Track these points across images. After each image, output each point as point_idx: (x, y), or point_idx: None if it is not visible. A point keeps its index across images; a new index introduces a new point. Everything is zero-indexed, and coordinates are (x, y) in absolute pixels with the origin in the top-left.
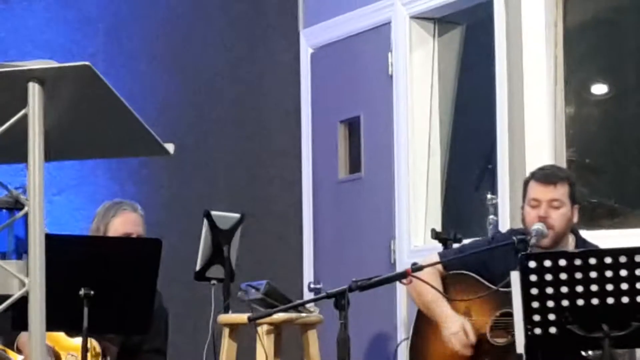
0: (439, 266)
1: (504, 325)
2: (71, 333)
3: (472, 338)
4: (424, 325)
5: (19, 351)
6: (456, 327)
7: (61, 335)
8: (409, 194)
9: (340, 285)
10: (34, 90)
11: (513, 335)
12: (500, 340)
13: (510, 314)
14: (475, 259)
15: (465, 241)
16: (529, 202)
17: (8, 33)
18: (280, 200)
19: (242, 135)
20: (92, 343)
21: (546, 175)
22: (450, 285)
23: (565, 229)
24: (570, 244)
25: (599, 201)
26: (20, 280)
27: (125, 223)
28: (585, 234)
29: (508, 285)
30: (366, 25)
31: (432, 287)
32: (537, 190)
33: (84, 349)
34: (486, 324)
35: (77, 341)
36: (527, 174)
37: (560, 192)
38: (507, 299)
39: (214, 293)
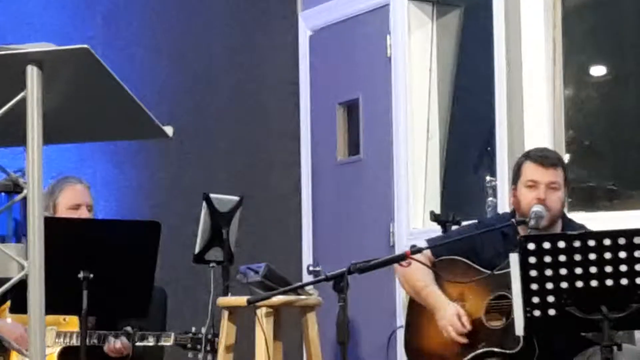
0: (428, 253)
1: (499, 308)
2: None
3: (467, 324)
4: (417, 313)
5: None
6: (450, 313)
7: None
8: (407, 176)
9: (339, 267)
10: (33, 73)
11: (508, 318)
12: (496, 324)
13: (505, 297)
14: (464, 245)
15: (464, 223)
16: (525, 183)
17: (6, 17)
18: (279, 183)
19: (241, 118)
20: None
21: (545, 157)
22: (442, 271)
23: (560, 211)
24: (558, 225)
25: (598, 183)
26: (19, 263)
27: (73, 196)
28: (584, 215)
29: (502, 268)
30: (364, 8)
31: (430, 267)
32: (535, 172)
33: (84, 331)
34: (481, 308)
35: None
36: (520, 156)
37: (559, 174)
38: (500, 282)
39: (213, 276)
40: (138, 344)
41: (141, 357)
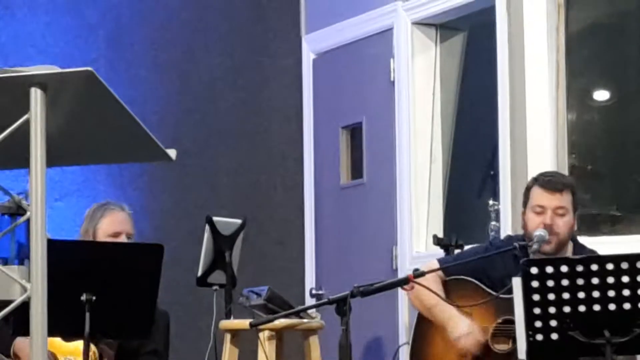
0: (440, 272)
1: (506, 332)
2: (68, 337)
3: (482, 337)
4: (425, 330)
5: (15, 357)
6: (465, 327)
7: (56, 339)
8: (411, 199)
9: (342, 291)
10: (36, 96)
11: (514, 343)
12: (502, 348)
13: (512, 321)
14: (474, 266)
15: (467, 247)
16: (532, 209)
17: (9, 38)
18: (282, 206)
19: (244, 141)
20: (91, 347)
21: (552, 182)
22: (451, 291)
23: (569, 237)
24: (569, 250)
25: (601, 207)
26: (21, 285)
27: (113, 223)
28: (586, 240)
29: (509, 292)
30: (368, 31)
31: (434, 292)
32: (542, 197)
33: (86, 354)
34: (487, 331)
35: (73, 345)
36: (530, 180)
37: (566, 199)
38: (508, 305)
39: (216, 299)
40: None
41: (137, 348)
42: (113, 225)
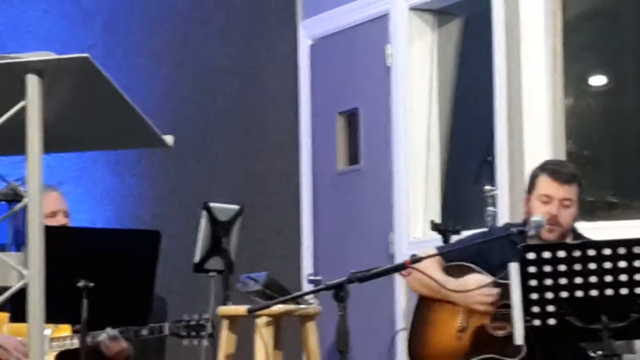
0: (439, 257)
1: (505, 316)
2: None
3: (494, 291)
4: (424, 315)
5: None
6: (474, 287)
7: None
8: (407, 185)
9: (339, 276)
10: (33, 82)
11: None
12: (501, 332)
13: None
14: (473, 252)
15: (464, 233)
16: (539, 197)
17: (6, 25)
18: (279, 192)
19: (241, 128)
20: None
21: (561, 173)
22: (450, 275)
23: (571, 227)
24: (568, 239)
25: (598, 193)
26: (19, 272)
27: (49, 204)
28: (584, 225)
29: (507, 276)
30: (365, 17)
31: (431, 278)
32: (549, 187)
33: (83, 340)
34: (487, 315)
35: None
36: (537, 166)
37: (573, 191)
38: (508, 290)
39: (213, 285)
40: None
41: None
42: (49, 206)
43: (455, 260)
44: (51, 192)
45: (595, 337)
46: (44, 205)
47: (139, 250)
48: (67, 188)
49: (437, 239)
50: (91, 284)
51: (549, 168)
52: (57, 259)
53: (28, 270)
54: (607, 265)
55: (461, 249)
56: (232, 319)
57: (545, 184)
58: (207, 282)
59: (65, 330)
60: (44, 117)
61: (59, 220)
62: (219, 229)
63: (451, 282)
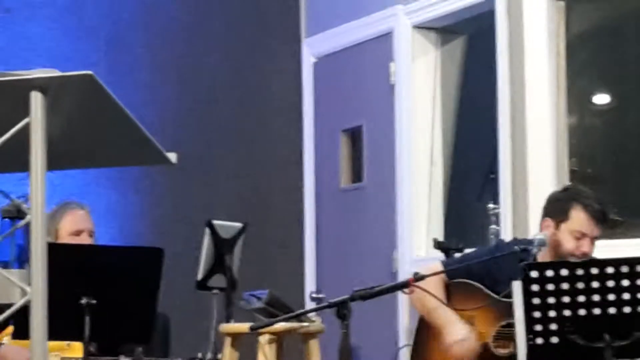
0: (442, 275)
1: (508, 335)
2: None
3: (478, 345)
4: (426, 334)
5: None
6: (461, 333)
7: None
8: (411, 203)
9: (342, 294)
10: (36, 99)
11: (516, 346)
12: (503, 351)
13: (514, 325)
14: (479, 268)
15: (467, 251)
16: (572, 232)
17: (9, 42)
18: (282, 209)
19: (244, 145)
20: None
21: (600, 213)
22: (453, 293)
23: None
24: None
25: None
26: (22, 289)
27: (74, 221)
28: None
29: (510, 295)
30: (368, 35)
31: (435, 297)
32: (587, 225)
33: (86, 358)
34: (489, 333)
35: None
36: (568, 194)
37: (603, 228)
38: (511, 309)
39: (216, 302)
40: None
41: None
42: (75, 224)
43: (459, 276)
44: (78, 210)
45: (598, 356)
46: (70, 223)
47: (142, 267)
48: None
49: (440, 257)
50: (94, 301)
51: (587, 204)
52: (60, 275)
53: (31, 287)
54: (610, 283)
55: (467, 266)
56: (235, 337)
57: (583, 221)
58: (210, 299)
59: (76, 351)
60: (48, 134)
61: (83, 239)
62: (222, 246)
63: (441, 319)
